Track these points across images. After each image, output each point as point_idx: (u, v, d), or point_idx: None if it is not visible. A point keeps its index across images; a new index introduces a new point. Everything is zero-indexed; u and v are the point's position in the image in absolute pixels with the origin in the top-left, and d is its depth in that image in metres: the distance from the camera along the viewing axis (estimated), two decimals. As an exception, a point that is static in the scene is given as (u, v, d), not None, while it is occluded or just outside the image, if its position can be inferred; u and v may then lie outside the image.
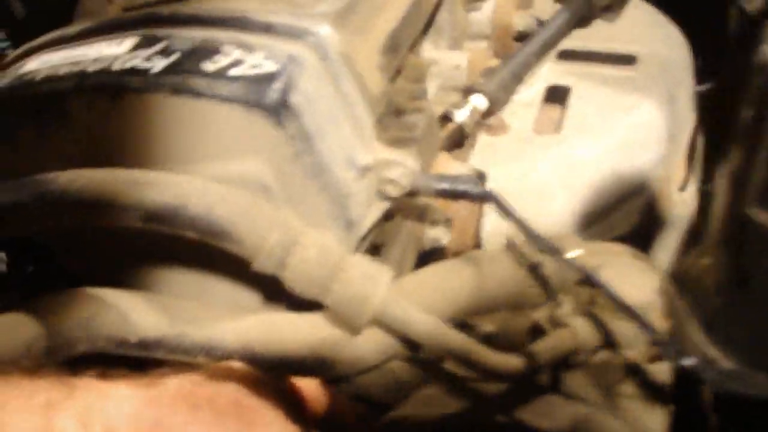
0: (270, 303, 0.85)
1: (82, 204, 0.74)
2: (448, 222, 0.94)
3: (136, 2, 0.94)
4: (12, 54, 0.92)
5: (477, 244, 1.01)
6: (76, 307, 0.76)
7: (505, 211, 0.80)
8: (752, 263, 0.77)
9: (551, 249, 0.78)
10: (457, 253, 0.97)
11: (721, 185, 0.79)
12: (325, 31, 0.81)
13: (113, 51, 0.82)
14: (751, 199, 0.74)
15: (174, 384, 0.66)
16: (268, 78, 0.77)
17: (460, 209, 1.00)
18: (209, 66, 0.78)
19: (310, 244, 0.73)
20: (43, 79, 0.82)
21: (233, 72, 0.77)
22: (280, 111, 0.76)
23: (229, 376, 0.70)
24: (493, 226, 1.00)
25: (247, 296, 0.85)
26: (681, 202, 1.09)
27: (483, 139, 1.05)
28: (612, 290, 0.75)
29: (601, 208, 1.02)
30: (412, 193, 0.83)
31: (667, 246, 1.10)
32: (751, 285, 0.77)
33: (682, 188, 1.10)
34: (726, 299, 0.79)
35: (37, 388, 0.60)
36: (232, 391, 0.69)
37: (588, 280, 0.82)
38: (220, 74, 0.77)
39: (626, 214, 1.04)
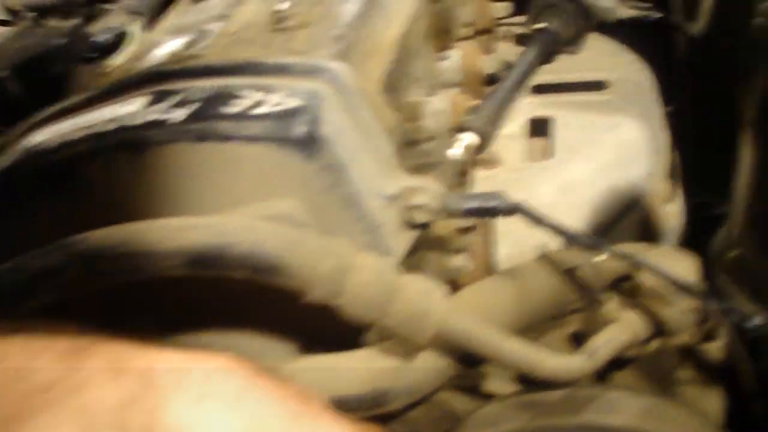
0: (306, 351, 0.84)
1: (120, 259, 0.72)
2: (469, 250, 0.95)
3: (128, 73, 0.93)
4: (10, 132, 0.89)
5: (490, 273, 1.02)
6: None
7: (538, 218, 0.80)
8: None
9: (594, 244, 0.79)
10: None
11: (741, 185, 0.81)
12: (339, 66, 0.82)
13: (127, 110, 0.81)
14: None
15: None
16: (294, 113, 0.77)
17: (471, 242, 1.01)
18: (231, 109, 0.78)
19: (365, 267, 0.73)
20: (55, 147, 0.81)
21: (257, 112, 0.77)
22: (310, 144, 0.75)
23: None
24: (508, 253, 1.00)
25: (283, 347, 0.83)
26: (670, 215, 1.12)
27: (479, 174, 1.07)
28: (663, 270, 0.76)
29: (603, 225, 1.04)
30: (440, 217, 0.83)
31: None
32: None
33: (669, 201, 1.14)
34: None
35: (60, 335, 0.56)
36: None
37: (629, 276, 0.83)
38: (245, 115, 0.77)
39: (624, 230, 1.06)
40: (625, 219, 1.06)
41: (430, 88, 1.14)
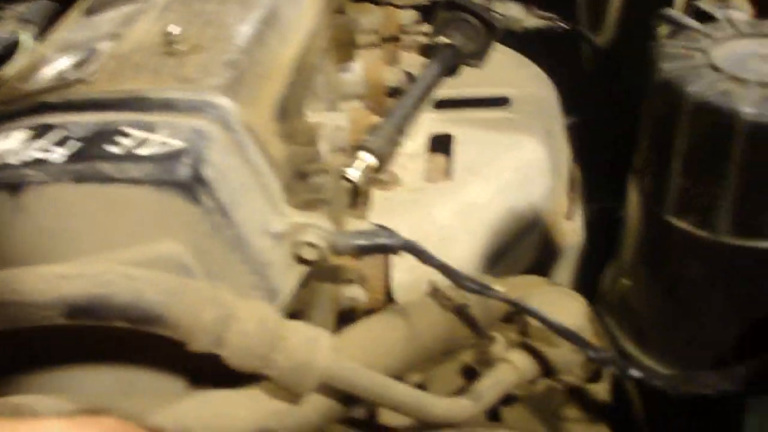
0: (195, 387, 0.82)
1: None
2: (362, 279, 0.94)
3: (12, 95, 0.90)
4: None
5: (388, 298, 1.02)
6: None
7: (426, 257, 0.80)
8: (677, 268, 0.80)
9: (480, 287, 0.79)
10: (370, 310, 0.97)
11: (635, 202, 0.82)
12: (225, 102, 0.81)
13: (3, 146, 0.78)
14: (669, 208, 0.77)
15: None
16: (177, 154, 0.75)
17: (366, 268, 1.01)
18: (113, 149, 0.75)
19: (247, 317, 0.72)
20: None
21: (139, 152, 0.75)
22: (193, 186, 0.74)
23: None
24: (401, 278, 1.01)
25: (171, 384, 0.82)
26: (570, 231, 1.13)
27: (377, 195, 1.06)
28: (547, 317, 0.76)
29: (502, 246, 1.05)
30: (328, 256, 0.82)
31: (563, 275, 1.13)
32: (679, 291, 0.81)
33: (569, 217, 1.15)
34: (655, 309, 0.82)
35: None
36: None
37: (517, 314, 0.84)
38: (127, 156, 0.75)
39: (524, 250, 1.07)
40: (525, 239, 1.07)
41: (330, 102, 1.13)
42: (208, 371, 0.78)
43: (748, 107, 0.71)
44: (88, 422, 0.62)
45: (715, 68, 0.75)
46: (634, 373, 0.70)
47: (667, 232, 0.79)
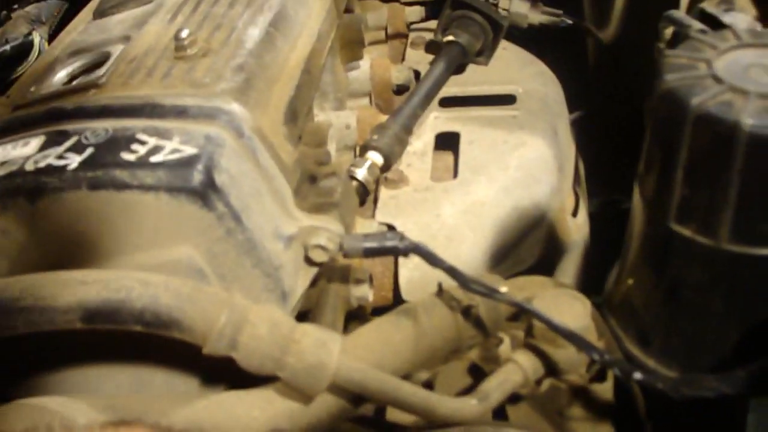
0: (209, 385, 0.84)
1: (16, 312, 0.71)
2: (371, 279, 0.96)
3: (26, 99, 0.92)
4: None
5: (396, 297, 1.03)
6: (19, 420, 0.73)
7: (434, 259, 0.82)
8: (679, 273, 0.82)
9: (485, 289, 0.80)
10: (378, 309, 0.99)
11: (639, 208, 0.84)
12: (236, 108, 0.82)
13: (21, 152, 0.80)
14: (672, 215, 0.79)
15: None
16: (190, 161, 0.77)
17: (374, 265, 1.02)
18: (128, 156, 0.77)
19: (259, 321, 0.73)
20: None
21: (153, 159, 0.77)
22: (206, 192, 0.76)
23: None
24: (409, 276, 1.02)
25: (185, 382, 0.83)
26: (576, 228, 1.14)
27: (384, 194, 1.08)
28: (551, 319, 0.78)
29: (507, 244, 1.06)
30: (338, 257, 0.84)
31: (569, 271, 1.14)
32: (680, 295, 0.82)
33: (574, 214, 1.16)
34: (657, 312, 0.84)
35: None
36: None
37: (522, 314, 0.85)
38: (141, 163, 0.76)
39: (530, 247, 1.09)
40: (531, 236, 1.08)
41: (338, 101, 1.14)
42: (223, 372, 0.80)
43: (748, 118, 0.73)
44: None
45: (718, 79, 0.77)
46: (637, 375, 0.72)
47: (668, 238, 0.80)
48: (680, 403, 0.73)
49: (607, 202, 1.36)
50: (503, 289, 0.85)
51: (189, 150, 0.78)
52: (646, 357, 0.87)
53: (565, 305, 0.83)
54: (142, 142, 0.79)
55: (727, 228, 0.76)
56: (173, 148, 0.78)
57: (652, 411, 0.84)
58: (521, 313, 0.87)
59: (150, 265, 0.76)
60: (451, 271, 0.81)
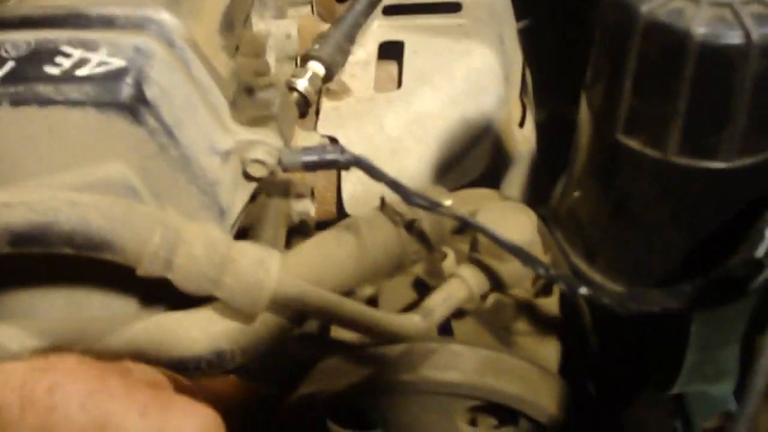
0: (149, 306, 0.82)
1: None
2: (312, 193, 0.93)
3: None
4: None
5: (339, 211, 1.01)
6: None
7: (376, 173, 0.79)
8: (626, 186, 0.80)
9: (428, 203, 0.79)
10: (321, 223, 0.97)
11: (586, 119, 0.82)
12: (167, 18, 0.78)
13: (-63, 68, 0.76)
14: (619, 126, 0.77)
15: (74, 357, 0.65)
16: (118, 74, 0.73)
17: (317, 179, 1.00)
18: (52, 70, 0.73)
19: (194, 240, 0.71)
20: None
21: (79, 73, 0.73)
22: (136, 107, 0.72)
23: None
24: (352, 191, 1.00)
25: (124, 304, 0.81)
26: (523, 139, 1.13)
27: (326, 105, 1.05)
28: (495, 233, 0.77)
29: (453, 156, 1.04)
30: (278, 171, 0.81)
31: (516, 183, 1.13)
32: (627, 208, 0.81)
33: (521, 124, 1.14)
34: (603, 226, 0.83)
35: None
36: (144, 370, 0.68)
37: (467, 228, 0.84)
38: (66, 77, 0.72)
39: (476, 158, 1.07)
40: (477, 147, 1.06)
41: (278, 9, 1.10)
42: (162, 293, 0.78)
43: (699, 27, 0.70)
44: (49, 364, 0.63)
45: (668, -13, 0.74)
46: (583, 290, 0.71)
47: (616, 151, 0.79)
48: (626, 317, 0.72)
49: (554, 113, 1.34)
50: (447, 202, 0.83)
51: (117, 62, 0.74)
52: (592, 271, 0.87)
53: (510, 218, 0.81)
54: (67, 55, 0.75)
55: (676, 140, 0.74)
56: (100, 60, 0.74)
57: (599, 325, 0.83)
58: (466, 227, 0.86)
59: (79, 185, 0.73)
60: (394, 185, 0.79)
